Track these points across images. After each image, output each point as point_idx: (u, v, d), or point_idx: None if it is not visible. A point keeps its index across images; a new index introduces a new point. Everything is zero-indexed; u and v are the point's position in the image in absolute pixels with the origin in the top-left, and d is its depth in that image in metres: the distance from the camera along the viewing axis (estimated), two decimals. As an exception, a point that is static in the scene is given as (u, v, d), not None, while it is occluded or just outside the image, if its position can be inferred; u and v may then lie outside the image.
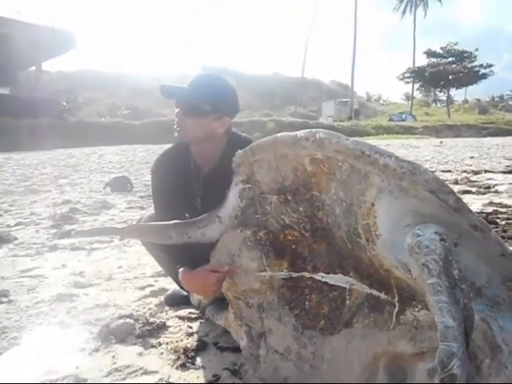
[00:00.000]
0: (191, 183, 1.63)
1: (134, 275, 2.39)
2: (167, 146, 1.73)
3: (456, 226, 0.87)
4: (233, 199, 1.30)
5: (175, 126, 1.53)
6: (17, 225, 3.89)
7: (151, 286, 2.20)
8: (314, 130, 1.03)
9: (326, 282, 1.17)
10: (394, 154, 0.89)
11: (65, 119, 22.40)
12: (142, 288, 2.17)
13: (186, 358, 1.44)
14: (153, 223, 1.47)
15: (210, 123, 1.51)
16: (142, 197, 5.47)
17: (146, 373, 1.39)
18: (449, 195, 0.85)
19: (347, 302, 1.12)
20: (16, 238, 3.31)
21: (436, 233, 0.82)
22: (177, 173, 1.60)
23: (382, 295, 1.03)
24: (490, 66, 42.94)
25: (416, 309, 0.94)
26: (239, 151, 1.24)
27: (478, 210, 3.84)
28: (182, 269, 1.46)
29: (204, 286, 1.39)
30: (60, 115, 22.30)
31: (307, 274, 1.21)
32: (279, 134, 1.12)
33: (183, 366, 1.40)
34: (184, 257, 1.48)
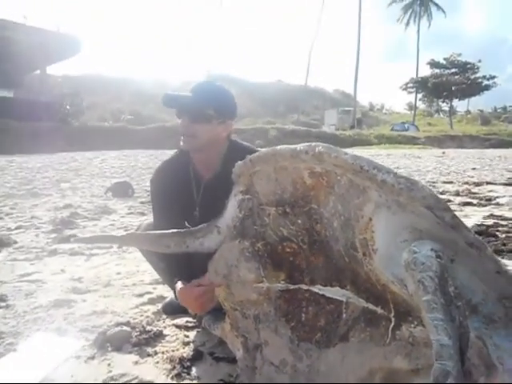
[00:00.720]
0: (191, 192, 1.64)
1: (132, 282, 2.39)
2: (170, 152, 1.74)
3: (452, 242, 0.87)
4: (232, 210, 1.30)
5: (181, 137, 1.54)
6: (17, 228, 3.90)
7: (149, 293, 2.20)
8: (314, 143, 1.04)
9: (322, 295, 1.16)
10: (392, 170, 0.90)
11: (68, 123, 22.44)
12: (140, 295, 2.17)
13: (181, 368, 1.44)
14: (151, 232, 1.48)
15: (215, 128, 1.55)
16: (142, 202, 5.48)
17: (141, 382, 1.39)
18: (445, 212, 0.85)
19: (344, 315, 1.11)
20: (16, 242, 3.32)
21: (432, 250, 0.82)
22: (176, 182, 1.61)
23: (379, 309, 1.03)
24: (493, 77, 43.05)
25: (412, 325, 0.93)
26: (239, 162, 1.25)
27: (479, 223, 3.83)
28: (178, 283, 1.46)
29: (188, 301, 1.40)
30: (64, 119, 22.34)
31: (304, 287, 1.20)
32: (279, 147, 1.12)
33: (178, 376, 1.40)
34: (180, 268, 1.48)
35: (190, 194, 1.63)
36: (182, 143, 1.54)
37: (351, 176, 0.96)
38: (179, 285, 1.46)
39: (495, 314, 0.88)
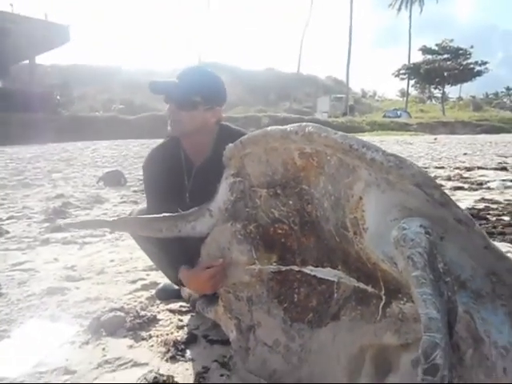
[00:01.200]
0: (183, 177, 1.63)
1: (125, 269, 2.39)
2: (161, 141, 1.74)
3: (442, 219, 0.88)
4: (223, 193, 1.30)
5: (168, 121, 1.54)
6: (9, 218, 3.87)
7: (143, 279, 2.20)
8: (304, 123, 1.04)
9: (314, 276, 1.17)
10: (381, 149, 0.90)
11: (59, 113, 22.22)
12: (134, 282, 2.18)
13: (175, 351, 1.45)
14: (143, 216, 1.48)
15: (202, 114, 1.53)
16: (135, 191, 5.46)
17: (135, 365, 1.40)
18: (434, 189, 0.86)
19: (335, 295, 1.13)
20: (8, 232, 3.30)
21: (421, 226, 0.83)
22: (168, 167, 1.60)
23: (369, 288, 1.04)
24: (485, 63, 43.04)
25: (402, 301, 0.95)
26: (230, 145, 1.25)
27: (470, 206, 3.87)
28: (182, 267, 1.46)
29: (200, 284, 1.40)
30: (54, 109, 22.12)
31: (296, 268, 1.21)
32: (269, 128, 1.12)
33: (173, 359, 1.42)
34: (181, 254, 1.48)
35: (181, 179, 1.62)
36: (169, 128, 1.54)
37: (341, 155, 0.96)
38: (185, 270, 1.44)
39: (483, 289, 0.89)
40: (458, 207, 0.88)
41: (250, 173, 1.22)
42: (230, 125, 1.69)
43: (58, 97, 23.31)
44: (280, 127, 1.09)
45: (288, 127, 1.06)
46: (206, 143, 1.60)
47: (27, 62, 24.66)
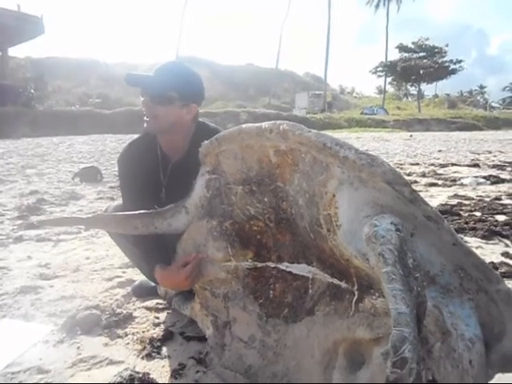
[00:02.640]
0: (158, 172, 1.62)
1: (101, 266, 2.36)
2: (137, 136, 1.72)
3: (411, 216, 0.90)
4: (199, 189, 1.30)
5: (144, 116, 1.52)
6: (-20, 215, 3.77)
7: (119, 277, 2.18)
8: (279, 121, 1.05)
9: (289, 272, 1.19)
10: (353, 147, 0.92)
11: (33, 107, 21.66)
12: (110, 279, 2.15)
13: (151, 348, 1.44)
14: (119, 213, 1.46)
15: (178, 111, 1.52)
16: (112, 187, 5.38)
17: (111, 363, 1.39)
18: (404, 187, 0.88)
19: (310, 290, 1.14)
20: (-21, 229, 3.22)
21: (392, 223, 0.85)
22: (143, 163, 1.59)
23: (343, 284, 1.06)
24: (460, 61, 43.86)
25: (374, 297, 0.97)
26: (205, 142, 1.25)
27: (443, 202, 3.96)
28: (157, 266, 1.44)
29: (176, 283, 1.39)
30: (28, 103, 21.54)
31: (272, 264, 1.23)
32: (244, 125, 1.13)
33: (149, 356, 1.41)
34: (156, 251, 1.46)
35: (157, 174, 1.62)
36: (145, 124, 1.52)
37: (315, 153, 0.97)
38: (160, 269, 1.42)
39: (451, 284, 0.92)
40: (427, 204, 0.90)
41: (225, 170, 1.22)
42: (208, 122, 1.69)
43: (32, 90, 22.70)
44: (255, 124, 1.09)
45: (263, 125, 1.06)
46: (182, 140, 1.59)
47: (0, 53, 23.97)
